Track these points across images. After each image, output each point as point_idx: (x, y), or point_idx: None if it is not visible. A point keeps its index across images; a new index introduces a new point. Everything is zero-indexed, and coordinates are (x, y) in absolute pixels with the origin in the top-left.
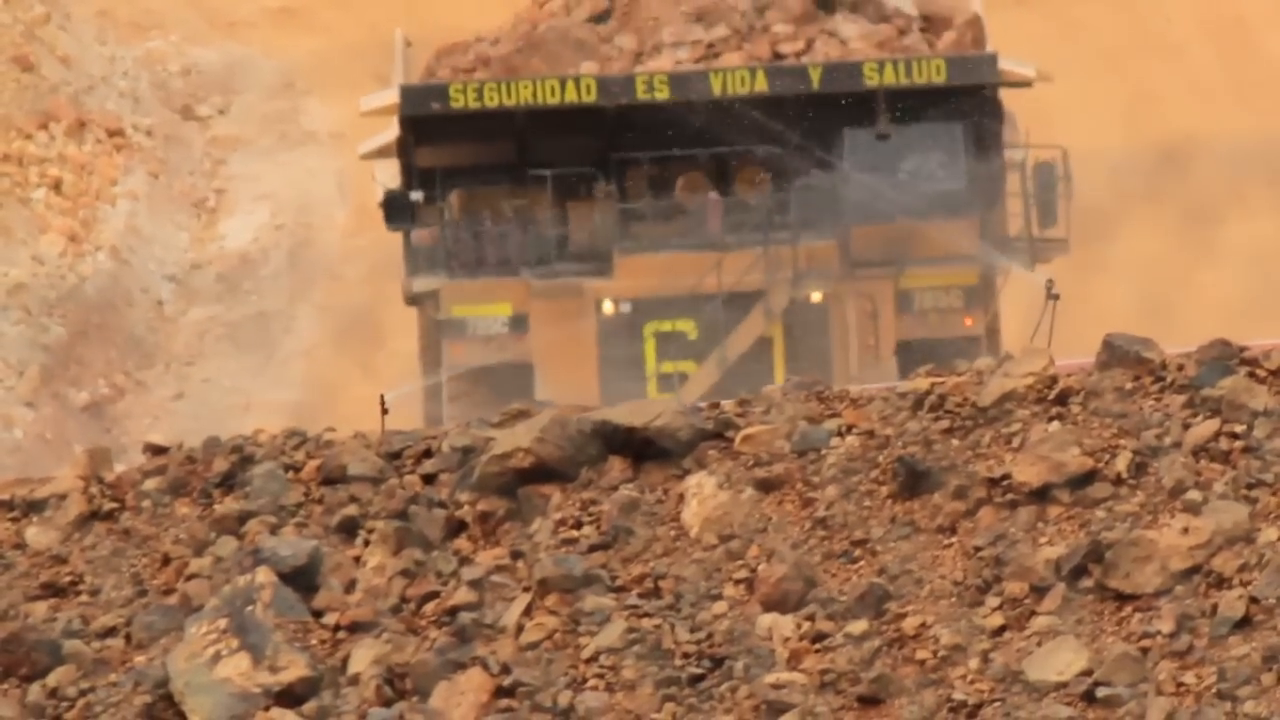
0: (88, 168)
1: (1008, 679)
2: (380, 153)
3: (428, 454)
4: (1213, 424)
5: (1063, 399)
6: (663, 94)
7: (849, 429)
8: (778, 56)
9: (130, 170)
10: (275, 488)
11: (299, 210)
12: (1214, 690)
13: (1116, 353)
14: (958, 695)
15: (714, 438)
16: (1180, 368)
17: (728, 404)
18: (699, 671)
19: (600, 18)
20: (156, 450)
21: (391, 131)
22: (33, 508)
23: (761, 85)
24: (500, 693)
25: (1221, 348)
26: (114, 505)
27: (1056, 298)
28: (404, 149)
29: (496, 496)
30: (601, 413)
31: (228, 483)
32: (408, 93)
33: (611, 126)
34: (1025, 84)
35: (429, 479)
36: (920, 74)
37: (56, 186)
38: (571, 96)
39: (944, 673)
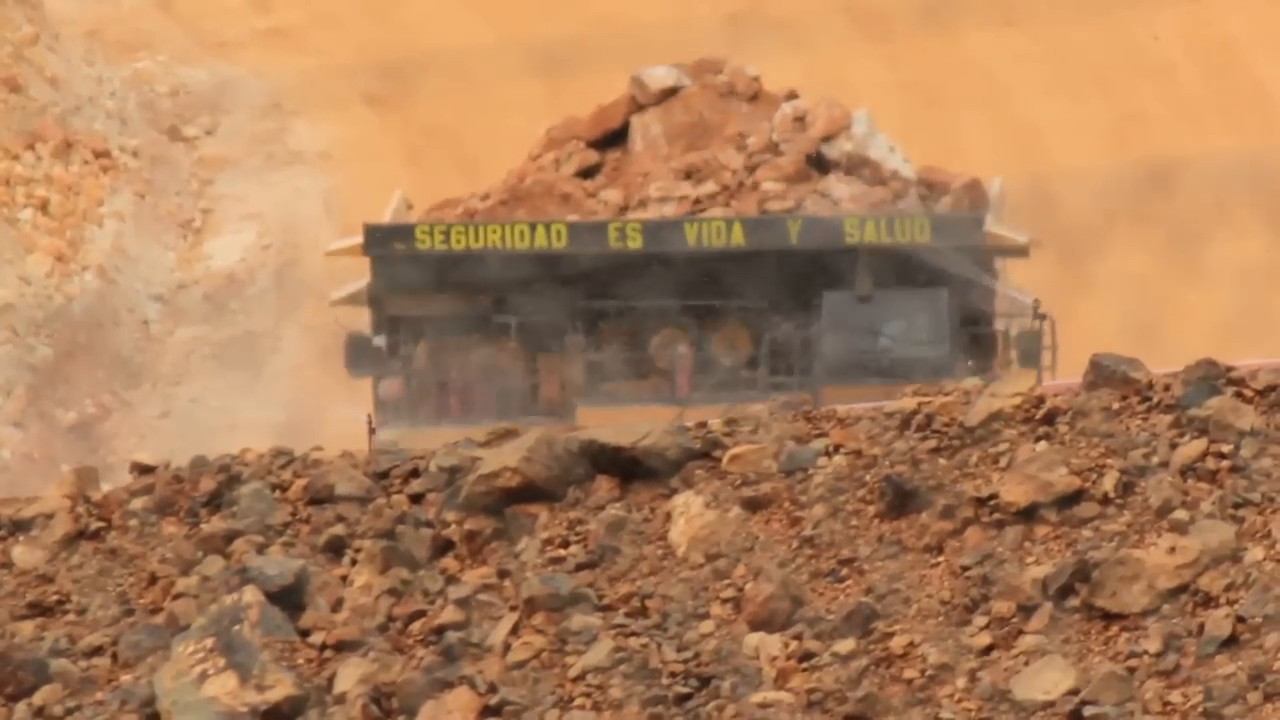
0: (74, 188)
1: (995, 698)
2: (350, 299)
3: (415, 474)
4: (1200, 444)
5: (1050, 419)
6: (635, 243)
7: (836, 448)
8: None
9: (117, 191)
10: (262, 507)
11: (286, 230)
12: (1200, 709)
13: (1103, 373)
14: (945, 714)
15: (701, 457)
16: (1167, 387)
17: (715, 423)
18: (686, 690)
19: (589, 172)
20: (143, 470)
21: (363, 279)
22: (19, 527)
23: (738, 238)
24: (487, 712)
25: (1208, 367)
26: (101, 524)
27: (1044, 318)
28: (373, 295)
29: (484, 516)
30: (589, 432)
31: (215, 502)
32: (372, 233)
33: (583, 275)
34: (1019, 252)
35: (416, 498)
36: (903, 233)
37: (43, 207)
38: (541, 242)
39: (931, 692)
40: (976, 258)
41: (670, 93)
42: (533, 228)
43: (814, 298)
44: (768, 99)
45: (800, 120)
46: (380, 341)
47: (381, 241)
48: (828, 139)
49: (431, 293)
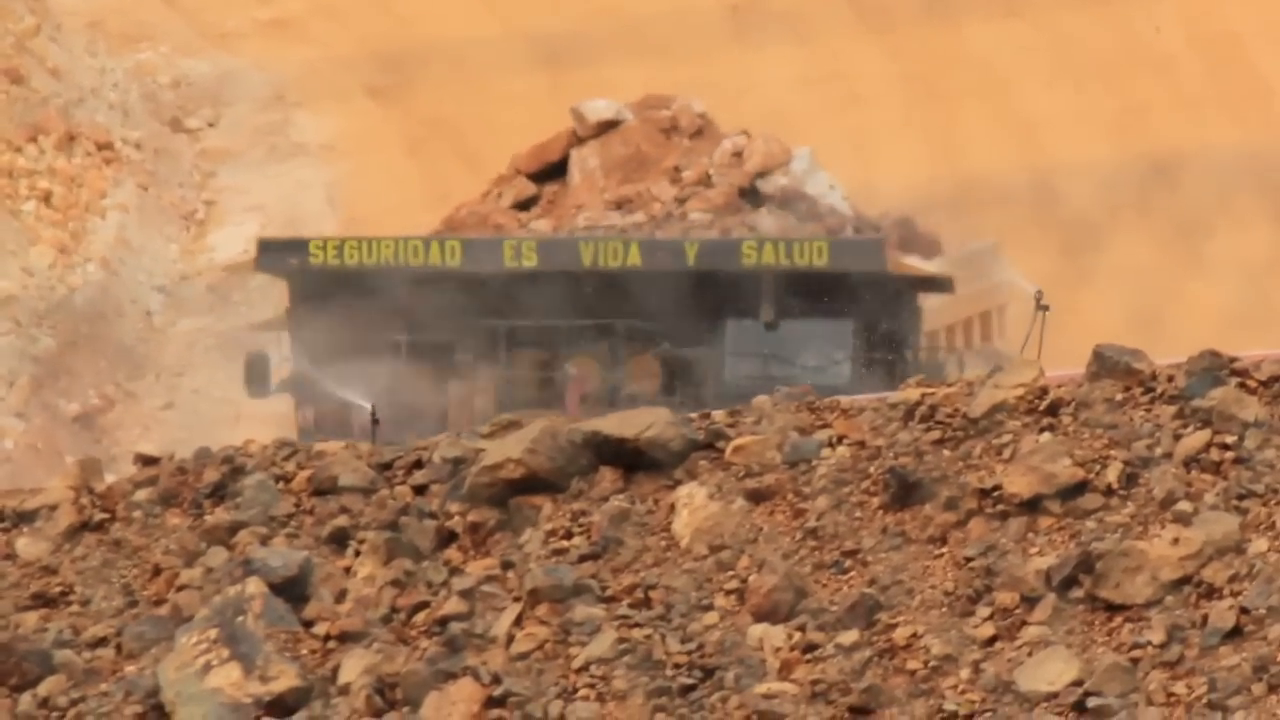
0: (77, 180)
1: (999, 689)
2: (270, 324)
3: (418, 465)
4: (1203, 435)
5: (1053, 410)
6: (530, 261)
7: (840, 440)
8: None
9: (119, 183)
10: (266, 498)
11: (288, 222)
12: (1205, 700)
13: (1107, 364)
14: (949, 705)
15: (705, 448)
16: (1170, 379)
17: (719, 414)
18: (690, 682)
19: (527, 204)
20: (147, 461)
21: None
22: (23, 518)
23: (634, 258)
24: (491, 703)
25: (1211, 359)
26: (104, 516)
27: (1046, 309)
28: (290, 317)
29: (487, 507)
30: (592, 424)
31: (218, 493)
32: (266, 246)
33: (478, 293)
34: (934, 285)
35: (420, 490)
36: (801, 256)
37: (46, 199)
38: (436, 258)
39: (935, 683)
40: (896, 289)
41: (609, 126)
42: (426, 244)
43: (719, 323)
44: (713, 135)
45: (739, 155)
46: (276, 360)
47: (274, 256)
48: (763, 174)
49: (336, 310)
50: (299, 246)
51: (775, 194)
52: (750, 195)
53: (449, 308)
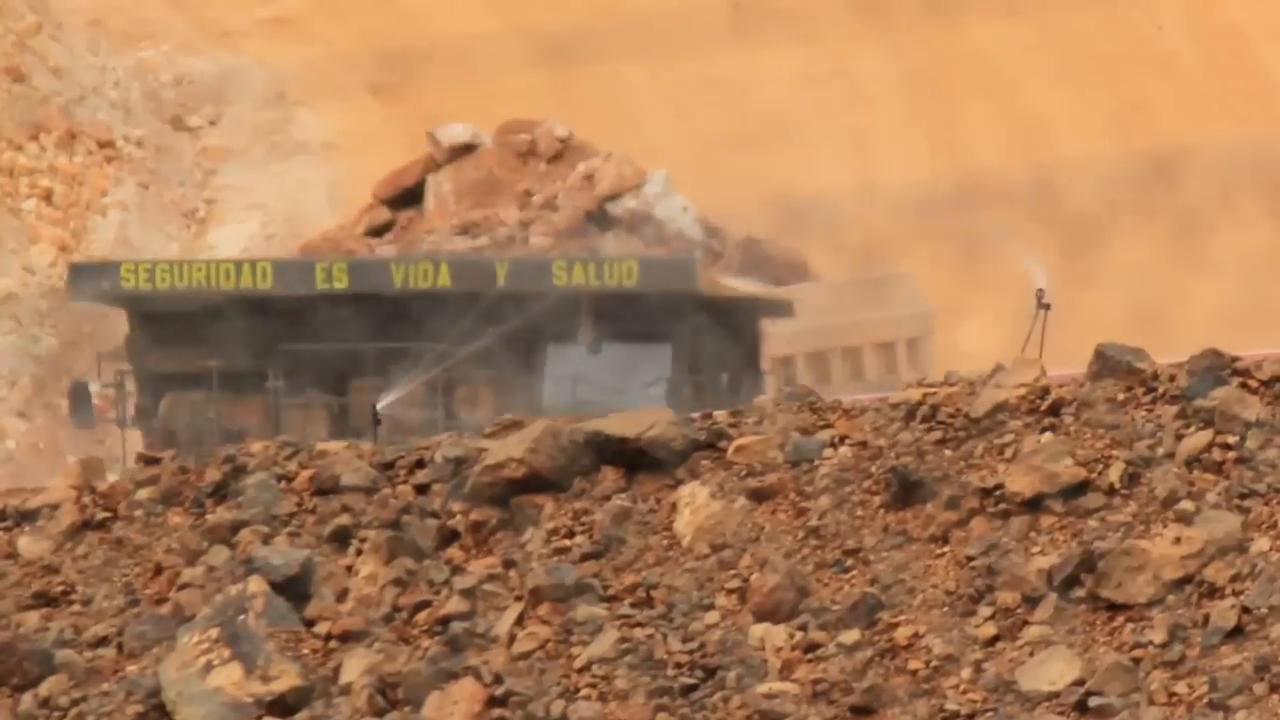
0: (78, 178)
1: (1000, 689)
2: (114, 354)
3: (420, 464)
4: (1205, 434)
5: (1055, 409)
6: (341, 283)
7: (842, 439)
8: None
9: (121, 181)
10: (268, 497)
11: (290, 220)
12: (1206, 700)
13: (1108, 363)
14: (950, 705)
15: (707, 448)
16: (1172, 378)
17: (720, 414)
18: (691, 681)
19: (382, 230)
20: (149, 460)
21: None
22: (25, 517)
23: (445, 279)
24: (492, 702)
25: (1213, 358)
26: (106, 515)
27: (1048, 308)
28: (128, 348)
29: (489, 506)
30: (594, 423)
31: (220, 492)
32: (77, 271)
33: (288, 317)
34: (773, 309)
35: (421, 489)
36: (610, 276)
37: (47, 197)
38: (247, 281)
39: (936, 683)
40: (728, 311)
41: (465, 150)
42: (238, 266)
43: (539, 346)
44: (574, 158)
45: (590, 179)
46: (95, 387)
47: (86, 281)
48: (612, 198)
49: (169, 342)
50: (111, 270)
51: (624, 217)
52: (599, 219)
53: (260, 332)
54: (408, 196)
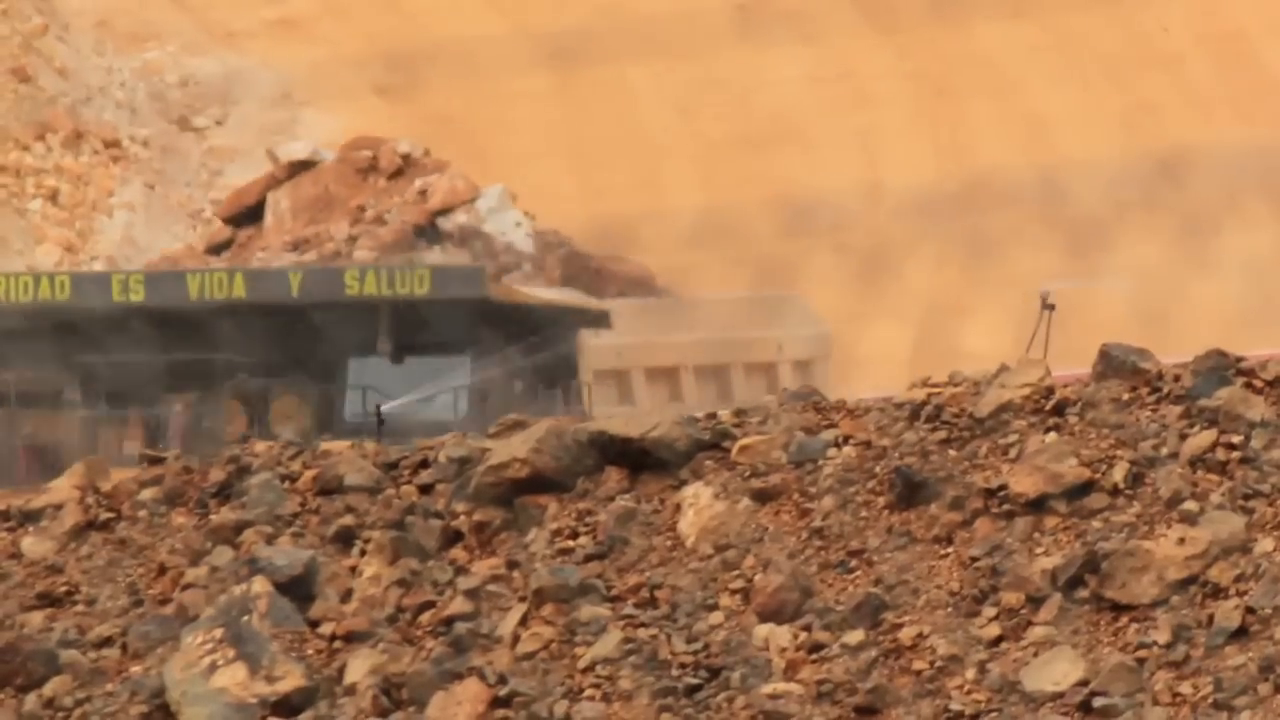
0: (84, 178)
1: (1004, 689)
2: None
3: (424, 464)
4: (1209, 435)
5: (1059, 410)
6: (138, 295)
7: (846, 440)
8: None
9: (127, 181)
10: (272, 498)
11: None
12: (1210, 700)
13: (1113, 363)
14: (955, 706)
15: (711, 448)
16: (1177, 378)
17: (725, 414)
18: (696, 682)
19: (220, 247)
20: (153, 460)
21: None
22: (29, 518)
23: (240, 290)
24: (497, 703)
25: (1218, 358)
26: (110, 515)
27: (1052, 308)
28: None
29: (493, 507)
30: (598, 424)
31: (224, 492)
32: None
33: (87, 330)
34: (591, 320)
35: (425, 489)
36: (403, 284)
37: (53, 197)
38: (45, 294)
39: (941, 683)
40: (541, 321)
41: (303, 167)
42: (36, 279)
43: (340, 356)
44: (416, 174)
45: (423, 194)
46: None
47: None
48: (443, 212)
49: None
50: None
51: (454, 232)
52: (430, 233)
53: (59, 345)
54: (249, 214)
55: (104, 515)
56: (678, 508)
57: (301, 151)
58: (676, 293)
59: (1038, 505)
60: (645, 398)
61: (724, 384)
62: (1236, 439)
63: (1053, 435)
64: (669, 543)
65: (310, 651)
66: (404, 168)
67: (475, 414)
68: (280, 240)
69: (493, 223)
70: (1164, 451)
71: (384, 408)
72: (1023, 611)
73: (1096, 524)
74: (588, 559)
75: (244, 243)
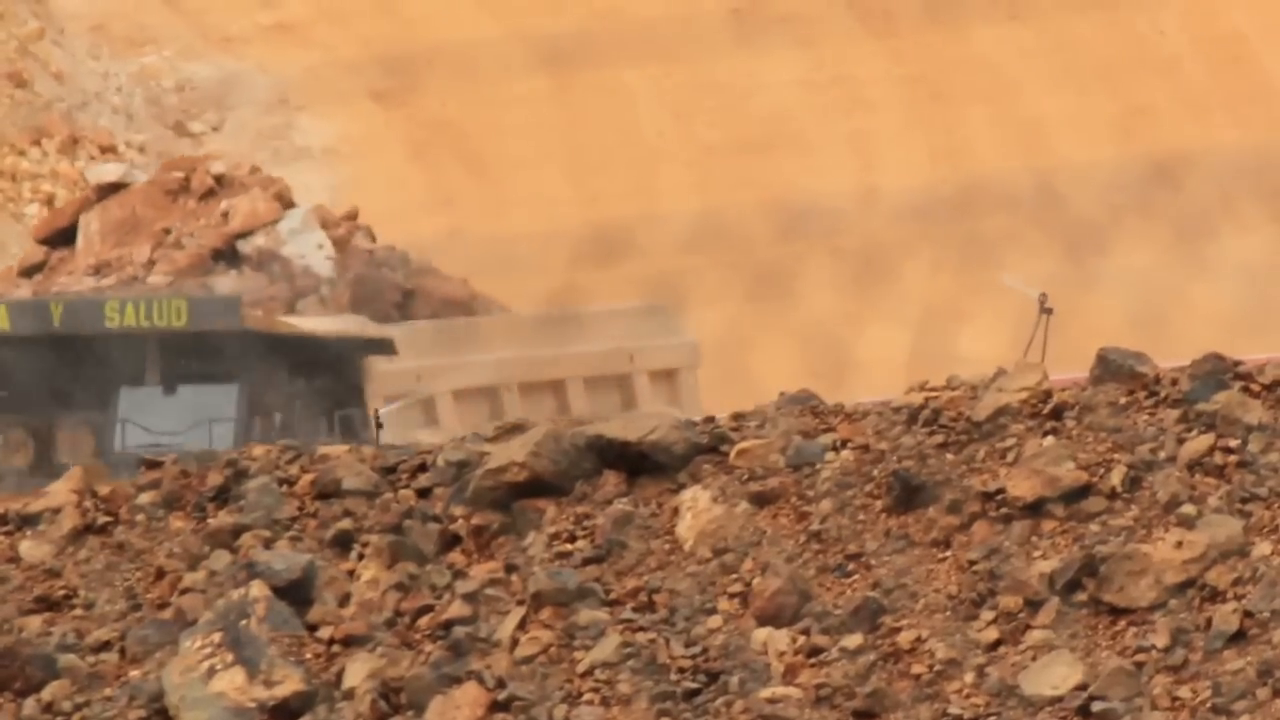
0: (80, 184)
1: (1003, 693)
2: None
3: (422, 468)
4: (1207, 438)
5: (1057, 413)
6: None
7: (844, 443)
8: None
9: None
10: (269, 502)
11: None
12: (1209, 705)
13: (1110, 367)
14: (953, 709)
15: (709, 452)
16: (1174, 382)
17: (722, 418)
18: (694, 686)
19: (32, 270)
20: (151, 464)
21: None
22: (26, 521)
23: (4, 322)
24: (495, 707)
25: (1216, 362)
26: (108, 519)
27: (1050, 312)
28: None
29: (491, 510)
30: (596, 427)
31: (222, 496)
32: None
33: None
34: (377, 346)
35: (423, 493)
36: (160, 316)
37: (49, 202)
38: None
39: (939, 687)
40: (321, 350)
41: (114, 189)
42: None
43: (112, 388)
44: (229, 195)
45: (225, 215)
46: None
47: None
48: (243, 235)
49: None
50: None
51: (252, 255)
52: (229, 256)
53: None
54: (63, 235)
55: (102, 519)
56: (676, 511)
57: (112, 173)
58: (500, 310)
59: (1035, 509)
60: (454, 420)
61: (561, 399)
62: (1234, 443)
63: (1050, 439)
64: (667, 546)
65: (308, 655)
66: (215, 189)
67: (244, 445)
68: (86, 263)
69: (293, 245)
70: (1161, 455)
71: (381, 412)
72: (1021, 615)
73: (1094, 527)
74: (586, 562)
75: (55, 265)
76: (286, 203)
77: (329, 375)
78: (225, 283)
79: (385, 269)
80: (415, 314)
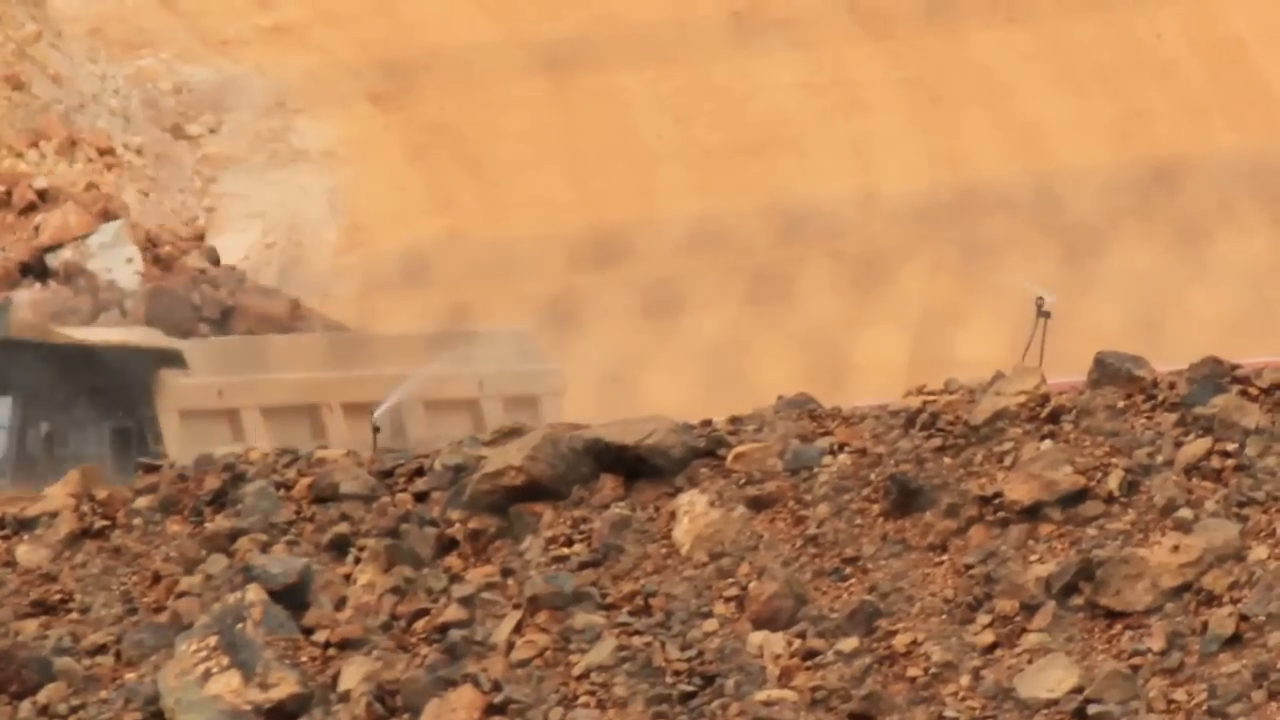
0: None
1: (999, 696)
2: None
3: (419, 472)
4: (1204, 442)
5: (1055, 417)
6: None
7: (841, 447)
8: None
9: (121, 189)
10: (266, 505)
11: (290, 229)
12: (1205, 708)
13: (1108, 370)
14: (949, 713)
15: (706, 455)
16: (1172, 386)
17: (720, 421)
18: (690, 689)
19: None
20: (148, 468)
21: None
22: (24, 525)
23: None
24: (491, 710)
25: (1213, 365)
26: (105, 523)
27: (1048, 315)
28: None
29: (488, 514)
30: (593, 431)
31: (219, 500)
32: None
33: None
34: (166, 359)
35: (420, 497)
36: None
37: None
38: None
39: (935, 690)
40: (112, 362)
41: None
42: None
43: None
44: (47, 209)
45: (37, 229)
46: None
47: None
48: (52, 248)
49: None
50: None
51: (60, 269)
52: (38, 270)
53: None
54: None
55: (99, 523)
56: (672, 515)
57: None
58: (333, 329)
59: (1032, 513)
60: (265, 436)
61: (396, 420)
62: (1231, 446)
63: (1048, 443)
64: (664, 550)
65: (304, 659)
66: (37, 203)
67: (19, 456)
68: None
69: (101, 259)
70: (1159, 459)
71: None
72: (1017, 619)
73: (1091, 531)
74: (582, 566)
75: None
76: (110, 217)
77: (111, 386)
78: (26, 295)
79: (205, 286)
80: (232, 330)
